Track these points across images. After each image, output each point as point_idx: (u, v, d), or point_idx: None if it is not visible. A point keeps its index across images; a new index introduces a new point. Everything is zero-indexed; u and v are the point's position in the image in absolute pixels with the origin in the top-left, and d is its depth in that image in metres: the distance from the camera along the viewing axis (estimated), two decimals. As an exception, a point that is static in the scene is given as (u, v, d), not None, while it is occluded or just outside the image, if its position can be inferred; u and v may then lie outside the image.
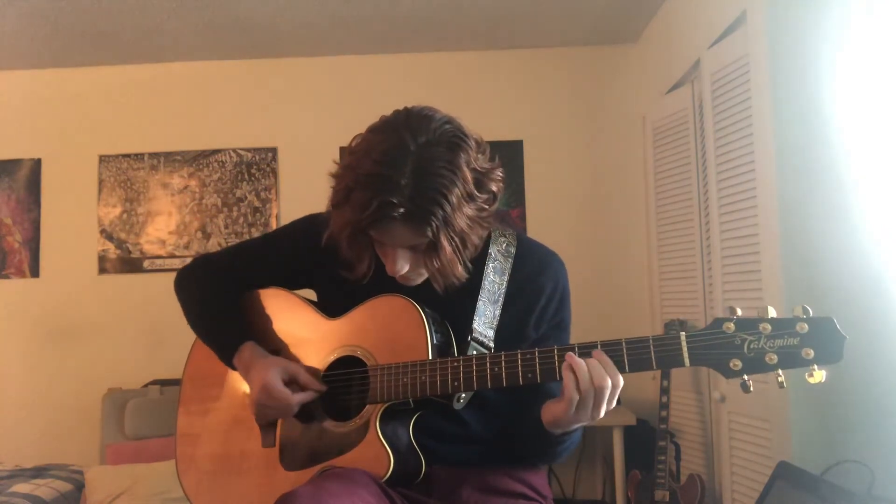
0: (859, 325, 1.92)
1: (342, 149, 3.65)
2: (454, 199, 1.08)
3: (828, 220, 2.06)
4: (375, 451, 1.18)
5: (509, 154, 3.62)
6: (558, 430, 1.15)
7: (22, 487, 2.85)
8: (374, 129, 1.15)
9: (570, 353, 1.07)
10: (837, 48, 2.06)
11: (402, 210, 1.06)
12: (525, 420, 1.22)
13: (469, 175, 1.10)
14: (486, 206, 1.15)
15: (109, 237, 3.72)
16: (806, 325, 1.00)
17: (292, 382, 1.27)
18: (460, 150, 1.10)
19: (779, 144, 2.14)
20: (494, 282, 1.27)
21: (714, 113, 2.60)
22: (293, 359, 1.34)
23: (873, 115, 2.01)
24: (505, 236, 1.32)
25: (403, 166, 1.06)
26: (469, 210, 1.11)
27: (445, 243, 1.10)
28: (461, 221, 1.10)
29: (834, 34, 2.07)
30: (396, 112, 1.16)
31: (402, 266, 1.16)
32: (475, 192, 1.12)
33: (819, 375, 0.99)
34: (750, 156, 2.33)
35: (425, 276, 1.20)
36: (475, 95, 3.70)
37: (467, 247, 1.14)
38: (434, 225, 1.08)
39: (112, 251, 3.71)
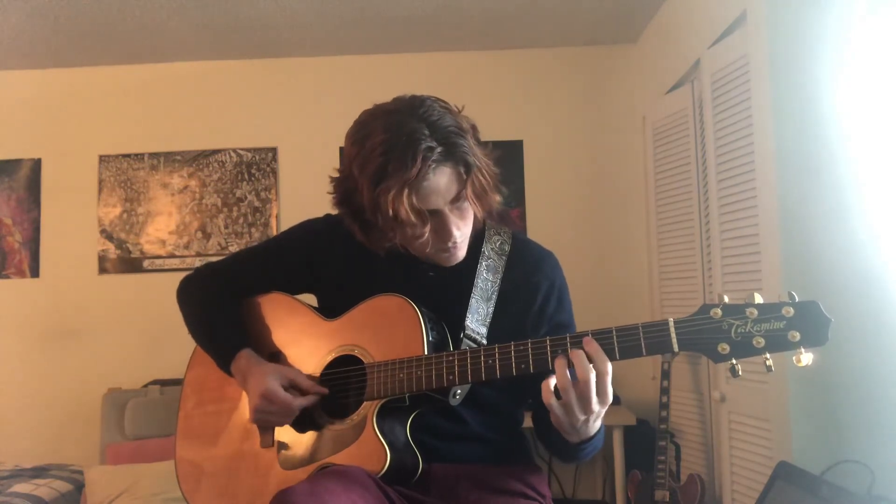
0: (859, 325, 1.93)
1: (342, 149, 3.66)
2: (469, 138, 1.16)
3: (828, 219, 2.06)
4: (372, 447, 1.19)
5: (509, 154, 3.61)
6: (569, 436, 1.15)
7: (22, 487, 2.85)
8: (371, 115, 1.18)
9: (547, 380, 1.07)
10: (837, 48, 2.06)
11: (440, 150, 1.12)
12: (546, 431, 1.23)
13: (467, 126, 1.17)
14: (492, 163, 1.21)
15: (109, 237, 3.72)
16: (791, 309, 1.01)
17: (291, 387, 1.27)
18: (452, 112, 1.18)
19: (779, 144, 2.14)
20: (487, 279, 1.29)
21: (714, 113, 2.60)
22: (292, 361, 1.35)
23: (873, 115, 2.01)
24: (500, 234, 1.34)
25: (419, 124, 1.12)
26: (481, 153, 1.18)
27: (479, 165, 1.17)
28: (481, 155, 1.18)
29: (834, 34, 2.07)
30: (380, 104, 1.20)
31: (458, 225, 1.19)
32: (479, 142, 1.19)
33: (807, 358, 0.99)
34: (750, 156, 2.33)
35: (467, 241, 1.25)
36: (475, 95, 3.65)
37: (487, 192, 1.20)
38: (467, 155, 1.14)
39: (112, 251, 3.71)
